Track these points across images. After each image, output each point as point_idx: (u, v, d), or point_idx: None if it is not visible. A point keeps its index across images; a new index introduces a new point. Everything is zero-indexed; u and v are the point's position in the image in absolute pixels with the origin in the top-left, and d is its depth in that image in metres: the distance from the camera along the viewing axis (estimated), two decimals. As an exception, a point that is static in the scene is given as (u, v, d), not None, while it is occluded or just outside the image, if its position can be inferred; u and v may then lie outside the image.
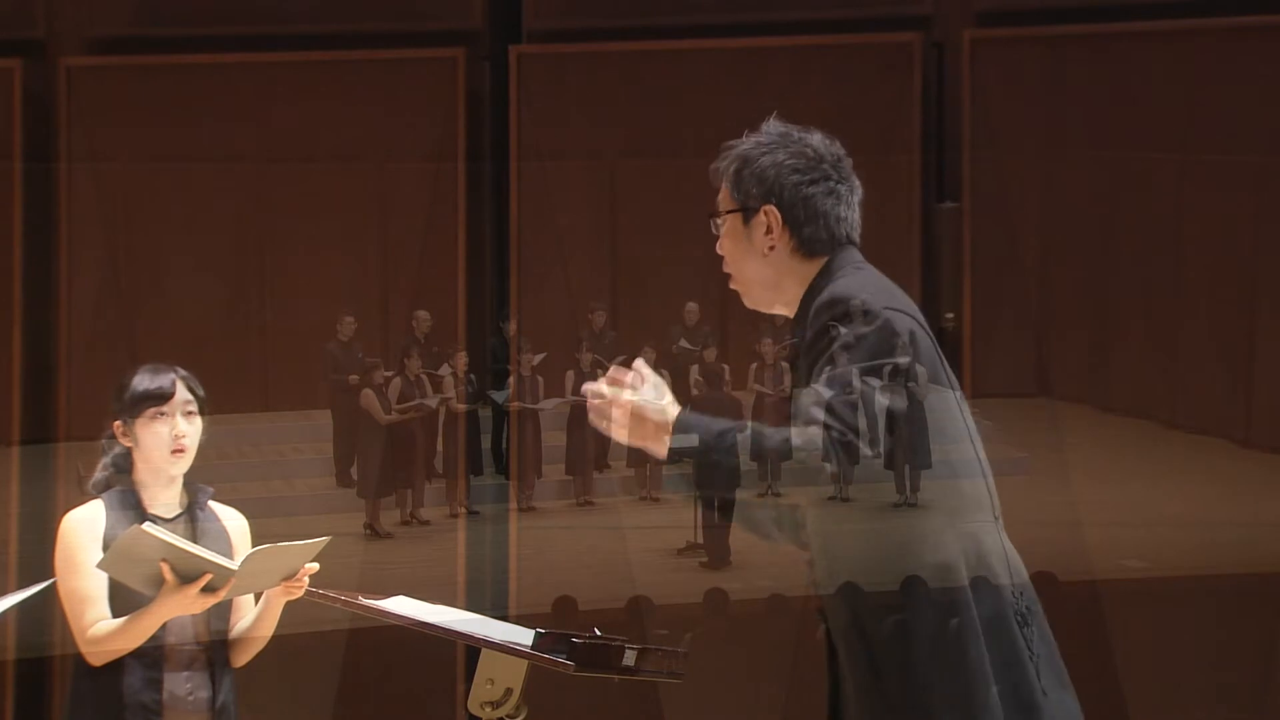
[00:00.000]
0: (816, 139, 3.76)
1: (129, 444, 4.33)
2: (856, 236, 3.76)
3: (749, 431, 3.48)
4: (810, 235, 3.69)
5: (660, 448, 3.51)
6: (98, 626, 4.22)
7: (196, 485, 4.38)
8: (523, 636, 3.80)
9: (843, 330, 3.56)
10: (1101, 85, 12.87)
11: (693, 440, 3.49)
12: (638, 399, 3.52)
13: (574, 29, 12.28)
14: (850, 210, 3.75)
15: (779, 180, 3.69)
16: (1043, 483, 11.60)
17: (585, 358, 11.62)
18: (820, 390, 3.50)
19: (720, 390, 11.48)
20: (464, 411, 11.52)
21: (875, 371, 3.55)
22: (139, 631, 4.20)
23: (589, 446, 11.73)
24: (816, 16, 12.39)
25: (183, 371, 4.39)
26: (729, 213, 3.73)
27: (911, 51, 12.78)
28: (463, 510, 11.47)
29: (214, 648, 4.31)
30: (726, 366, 11.83)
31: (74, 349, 11.45)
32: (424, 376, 11.52)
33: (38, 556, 4.55)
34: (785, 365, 12.45)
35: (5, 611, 4.31)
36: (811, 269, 3.70)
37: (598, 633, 3.80)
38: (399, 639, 4.69)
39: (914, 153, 12.48)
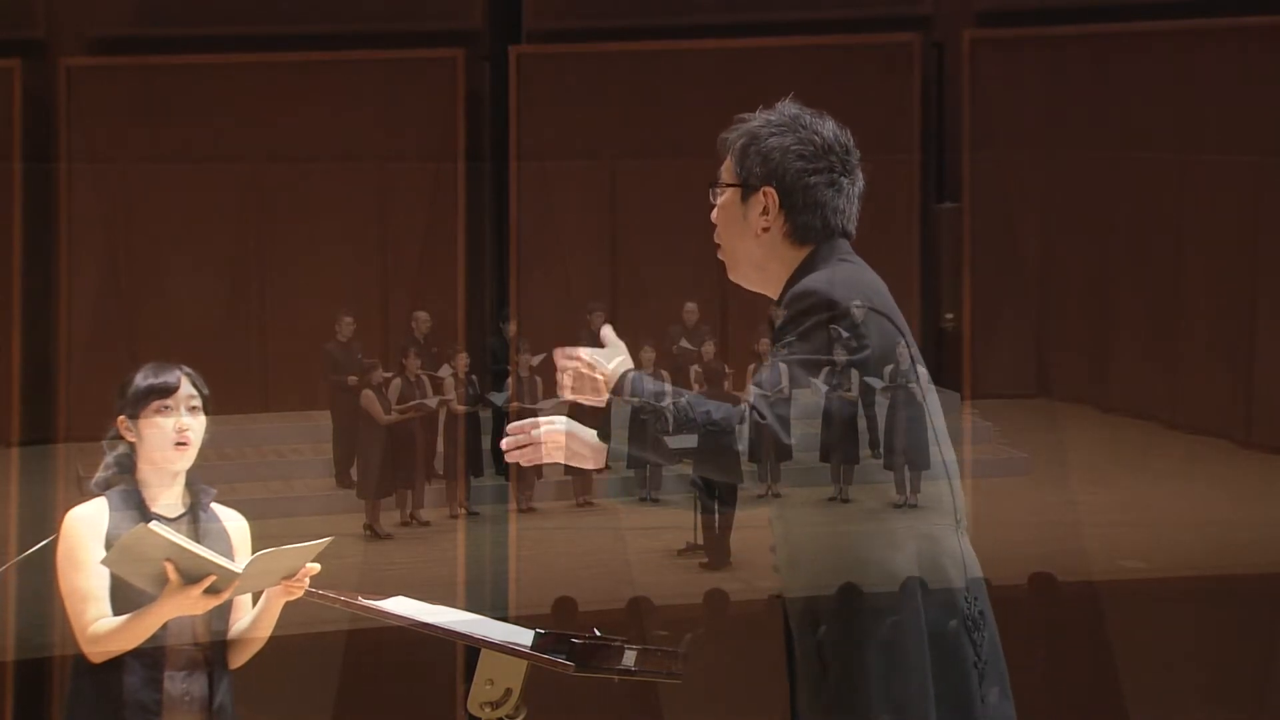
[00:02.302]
0: (828, 127, 3.75)
1: (133, 439, 4.33)
2: (852, 229, 3.75)
3: (685, 399, 3.50)
4: (804, 223, 3.69)
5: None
6: (99, 624, 4.22)
7: (200, 486, 4.39)
8: (522, 637, 3.80)
9: (804, 322, 3.55)
10: (1101, 85, 12.87)
11: (630, 408, 3.53)
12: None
13: (574, 29, 12.28)
14: (850, 203, 3.74)
15: (783, 164, 3.70)
16: (1043, 483, 11.59)
17: (585, 358, 11.60)
18: (762, 377, 3.51)
19: (720, 388, 11.48)
20: (464, 412, 11.50)
21: (819, 365, 3.53)
22: (140, 630, 4.20)
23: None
24: (816, 16, 12.39)
25: (187, 369, 4.39)
26: (729, 186, 3.74)
27: (911, 51, 12.78)
28: (463, 511, 11.45)
29: (213, 648, 4.31)
30: (726, 365, 11.83)
31: (74, 349, 11.46)
32: (424, 377, 11.51)
33: (38, 556, 4.55)
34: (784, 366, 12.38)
35: (6, 568, 4.32)
36: (799, 255, 3.70)
37: (597, 633, 3.79)
38: (398, 640, 4.69)
39: (914, 153, 12.48)
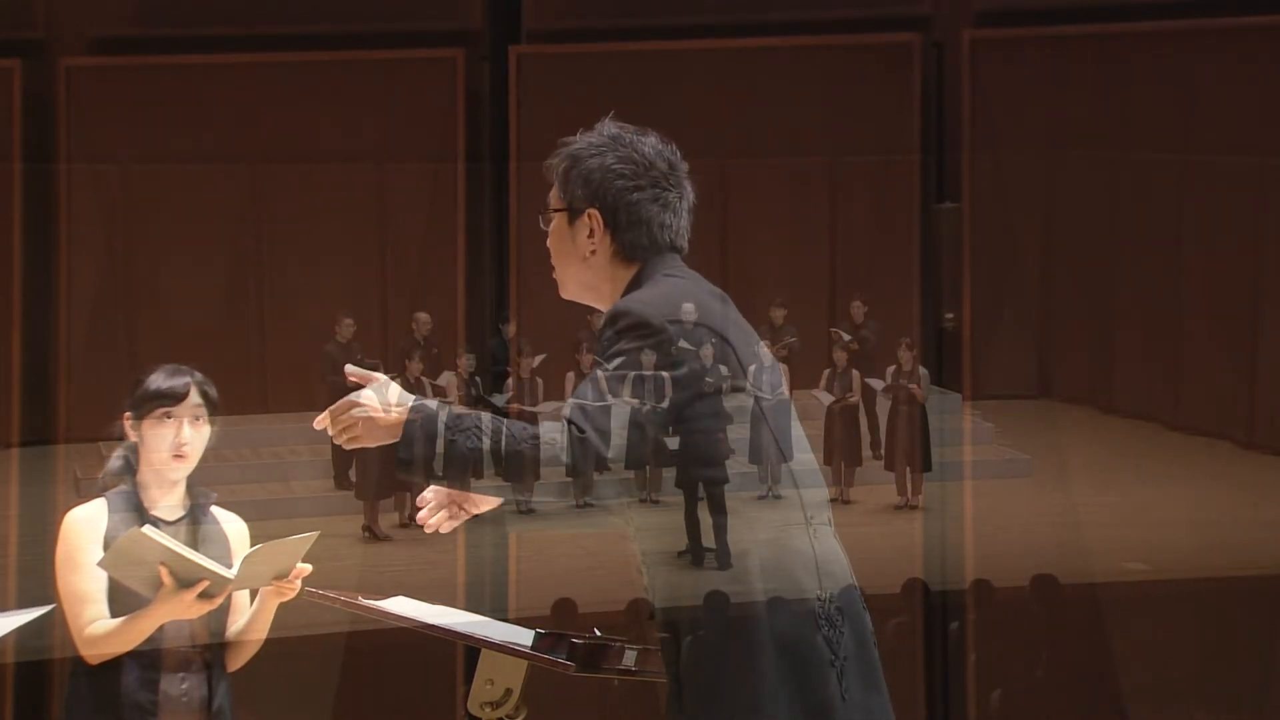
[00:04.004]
0: (649, 143, 3.75)
1: (135, 438, 4.34)
2: (682, 243, 3.76)
3: (493, 421, 3.53)
4: (631, 241, 3.70)
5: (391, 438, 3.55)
6: (95, 626, 4.22)
7: (200, 489, 4.38)
8: (522, 637, 3.80)
9: (619, 342, 3.58)
10: (1101, 85, 12.86)
11: (430, 428, 3.52)
12: (366, 403, 3.55)
13: (574, 29, 12.27)
14: (677, 217, 3.74)
15: (604, 184, 3.70)
16: (1045, 485, 11.57)
17: (585, 359, 11.59)
18: (581, 391, 3.54)
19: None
20: (465, 413, 11.45)
21: (635, 380, 3.55)
22: (136, 632, 4.20)
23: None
24: (817, 16, 12.39)
25: (199, 376, 4.38)
26: (555, 211, 3.76)
27: (911, 51, 12.77)
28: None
29: (211, 650, 4.31)
30: (723, 368, 11.79)
31: (74, 349, 11.45)
32: (424, 379, 11.47)
33: (37, 558, 4.54)
34: (783, 367, 12.40)
35: (3, 636, 4.30)
36: (628, 273, 3.72)
37: (597, 633, 3.79)
38: (398, 641, 4.68)
39: (914, 153, 12.47)
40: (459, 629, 3.89)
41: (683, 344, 3.60)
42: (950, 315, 12.02)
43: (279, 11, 11.97)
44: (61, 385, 11.17)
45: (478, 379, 11.54)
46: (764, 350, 3.80)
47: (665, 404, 3.54)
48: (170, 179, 12.06)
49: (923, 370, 11.12)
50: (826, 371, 11.51)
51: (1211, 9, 11.96)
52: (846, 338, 11.52)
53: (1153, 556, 10.36)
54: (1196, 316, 12.41)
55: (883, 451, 11.29)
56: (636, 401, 3.53)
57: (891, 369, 11.18)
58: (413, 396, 3.58)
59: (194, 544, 4.25)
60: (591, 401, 3.51)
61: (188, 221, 12.13)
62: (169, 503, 4.35)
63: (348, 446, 3.61)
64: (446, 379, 11.52)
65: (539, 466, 3.54)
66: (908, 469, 11.11)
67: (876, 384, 11.18)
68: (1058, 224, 13.18)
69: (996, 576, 9.82)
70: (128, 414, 4.35)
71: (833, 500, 3.77)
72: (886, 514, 11.05)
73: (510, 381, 11.61)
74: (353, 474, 11.55)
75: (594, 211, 3.70)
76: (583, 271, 3.74)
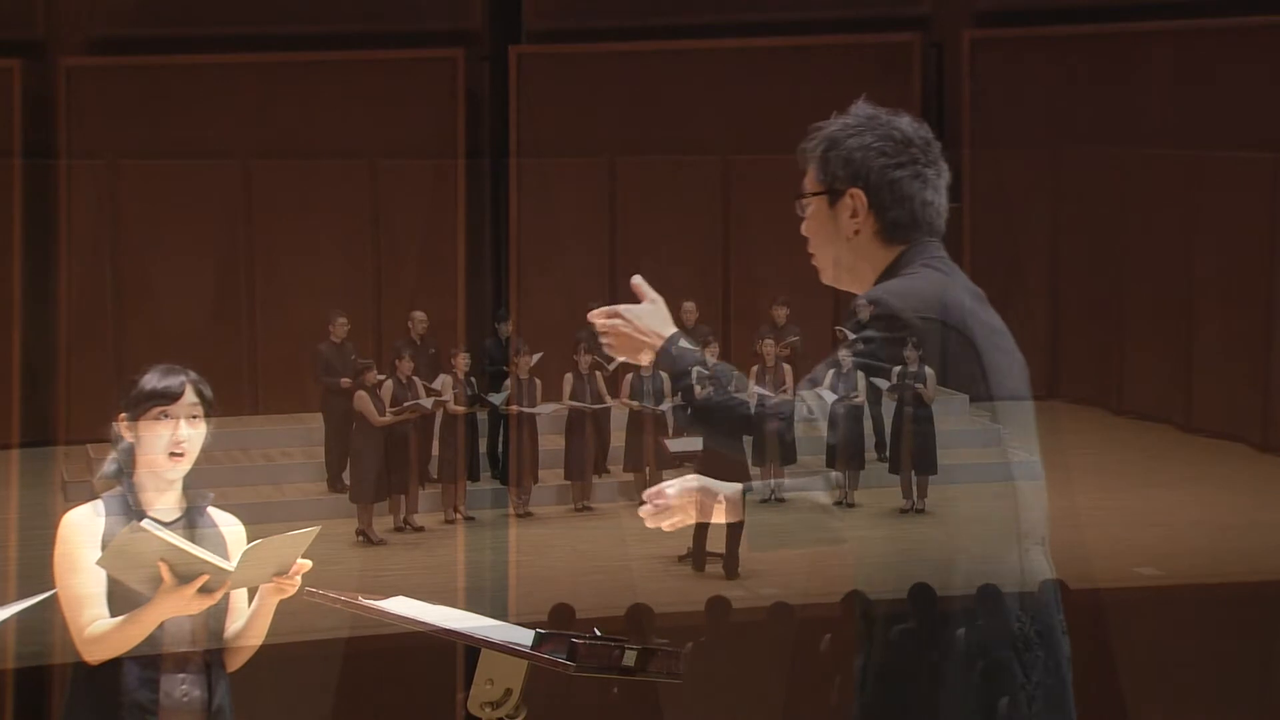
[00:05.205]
0: (905, 121, 3.69)
1: (131, 439, 4.30)
2: (941, 223, 3.70)
3: (737, 382, 3.54)
4: (895, 219, 3.65)
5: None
6: (95, 625, 4.19)
7: (196, 490, 4.35)
8: (522, 637, 3.76)
9: (864, 330, 3.56)
10: (1102, 84, 12.85)
11: (675, 366, 3.63)
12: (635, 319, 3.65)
13: (574, 29, 12.26)
14: (937, 195, 3.68)
15: (866, 163, 3.64)
16: (1053, 488, 11.50)
17: (584, 359, 11.55)
18: (816, 373, 3.55)
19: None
20: (463, 414, 11.42)
21: (863, 369, 3.57)
22: (136, 631, 4.16)
23: (588, 451, 11.65)
24: (816, 16, 12.38)
25: (194, 375, 4.35)
26: (815, 195, 3.69)
27: (911, 51, 12.76)
28: (459, 516, 11.38)
29: (211, 650, 4.27)
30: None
31: (73, 349, 11.42)
32: (416, 379, 11.40)
33: (35, 559, 4.50)
34: (787, 367, 12.38)
35: (4, 621, 4.26)
36: (890, 255, 3.66)
37: (597, 633, 3.75)
38: (398, 643, 4.64)
39: (915, 153, 12.45)
40: (459, 629, 3.85)
41: (924, 340, 3.58)
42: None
43: (279, 11, 11.97)
44: (61, 386, 11.15)
45: (473, 380, 11.50)
46: (1015, 355, 3.73)
47: (890, 395, 3.59)
48: (170, 178, 12.05)
49: (928, 370, 11.08)
50: (831, 371, 11.47)
51: (1212, 9, 11.95)
52: (851, 336, 11.49)
53: (1164, 561, 10.30)
54: (1208, 316, 12.39)
55: (888, 454, 11.25)
56: (866, 391, 3.56)
57: (897, 369, 11.13)
58: (674, 329, 3.66)
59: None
60: (826, 386, 3.51)
61: (188, 220, 12.13)
62: (165, 504, 4.32)
63: (608, 351, 3.68)
64: (442, 381, 11.46)
65: (760, 435, 3.50)
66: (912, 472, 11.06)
67: (881, 384, 11.13)
68: (1058, 223, 13.17)
69: (1002, 579, 9.74)
70: (123, 415, 4.31)
71: (836, 504, 3.73)
72: (891, 518, 11.00)
73: (508, 381, 11.57)
74: (346, 477, 11.48)
75: (857, 191, 3.64)
76: (845, 252, 3.67)
